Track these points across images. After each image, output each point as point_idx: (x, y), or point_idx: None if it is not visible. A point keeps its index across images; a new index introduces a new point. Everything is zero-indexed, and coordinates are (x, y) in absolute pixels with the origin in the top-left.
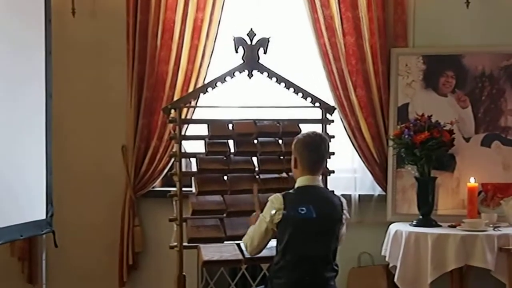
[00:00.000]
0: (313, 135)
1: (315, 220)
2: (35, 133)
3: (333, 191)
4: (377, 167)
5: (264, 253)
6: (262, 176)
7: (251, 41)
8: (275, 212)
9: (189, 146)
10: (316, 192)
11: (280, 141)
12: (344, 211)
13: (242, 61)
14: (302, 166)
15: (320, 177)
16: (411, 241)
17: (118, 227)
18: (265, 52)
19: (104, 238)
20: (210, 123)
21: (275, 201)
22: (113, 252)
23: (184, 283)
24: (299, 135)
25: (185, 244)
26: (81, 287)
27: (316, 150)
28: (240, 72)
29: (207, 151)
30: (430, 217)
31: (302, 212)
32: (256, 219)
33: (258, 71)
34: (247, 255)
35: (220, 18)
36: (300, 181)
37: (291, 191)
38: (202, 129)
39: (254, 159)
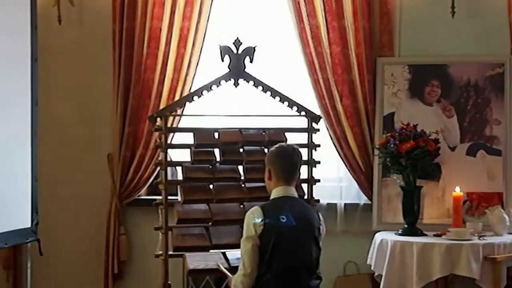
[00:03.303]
0: (285, 146)
1: (296, 227)
2: (20, 140)
3: (318, 200)
4: (363, 176)
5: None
6: (247, 185)
7: (237, 50)
8: (257, 223)
9: (175, 155)
10: (293, 201)
11: (266, 150)
12: (321, 222)
13: (228, 70)
14: (276, 177)
15: (294, 188)
16: (396, 250)
17: (104, 235)
18: (251, 61)
19: (90, 247)
20: (195, 131)
21: (254, 213)
22: (99, 260)
23: None
24: (272, 148)
25: (170, 252)
26: None
27: (289, 160)
28: (226, 81)
29: (192, 160)
30: (415, 226)
31: (283, 220)
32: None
33: (244, 80)
34: (233, 264)
35: (206, 27)
36: (275, 192)
37: (268, 202)
38: (188, 138)
39: (240, 168)
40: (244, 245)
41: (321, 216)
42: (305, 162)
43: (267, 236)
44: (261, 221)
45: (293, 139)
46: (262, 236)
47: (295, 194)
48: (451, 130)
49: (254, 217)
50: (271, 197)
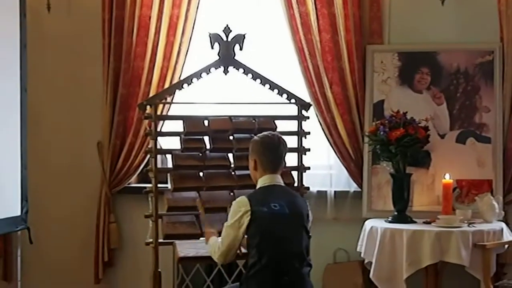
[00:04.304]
0: (270, 136)
1: (287, 215)
2: (9, 128)
3: (308, 187)
4: (353, 163)
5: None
6: (237, 172)
7: (227, 37)
8: (242, 215)
9: (164, 143)
10: (282, 189)
11: None
12: (308, 209)
13: (218, 58)
14: (262, 167)
15: (280, 176)
16: (386, 237)
17: (94, 223)
18: (241, 49)
19: (80, 235)
20: (185, 119)
21: (240, 204)
22: (89, 248)
23: (160, 279)
24: (255, 137)
25: (160, 240)
26: (56, 284)
27: (275, 150)
28: (215, 69)
29: (182, 148)
30: (405, 213)
31: (275, 208)
32: (209, 235)
33: (233, 67)
34: None
35: (196, 15)
36: (262, 181)
37: (254, 191)
38: (178, 126)
39: (230, 155)
40: (226, 231)
41: (307, 203)
42: (295, 150)
43: (256, 225)
44: (248, 211)
45: (283, 126)
46: (250, 226)
47: (282, 182)
48: (441, 117)
49: (240, 207)
50: (258, 185)
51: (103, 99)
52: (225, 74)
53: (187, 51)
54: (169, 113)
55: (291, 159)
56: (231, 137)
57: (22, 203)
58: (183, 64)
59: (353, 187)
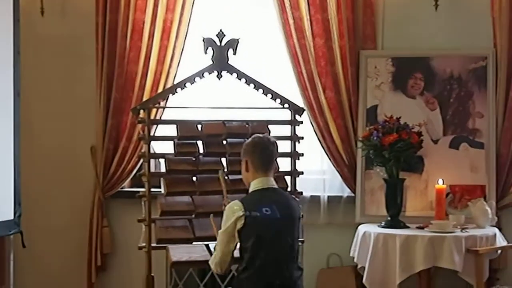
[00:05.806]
0: (261, 137)
1: (280, 220)
2: (2, 132)
3: (301, 192)
4: (346, 168)
5: (234, 253)
6: (231, 177)
7: (221, 42)
8: (236, 219)
9: (158, 147)
10: (274, 192)
11: None
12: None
13: (212, 62)
14: (254, 168)
15: (273, 179)
16: (379, 242)
17: (87, 228)
18: (234, 53)
19: (73, 239)
20: (179, 123)
21: (234, 208)
22: (82, 253)
23: (153, 284)
24: (247, 140)
25: (153, 244)
26: None
27: (266, 151)
28: (209, 73)
29: (176, 152)
30: (398, 218)
31: (267, 212)
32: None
33: (227, 72)
34: None
35: (189, 19)
36: (254, 184)
37: (247, 195)
38: (171, 130)
39: (223, 160)
40: (220, 237)
41: (299, 206)
42: (289, 155)
43: (249, 230)
44: (242, 215)
45: (276, 131)
46: (242, 230)
47: (275, 185)
48: (434, 122)
49: (234, 212)
50: (250, 189)
51: (97, 103)
52: (219, 78)
53: (181, 55)
54: (163, 118)
55: (284, 164)
56: (224, 142)
57: (15, 207)
58: (177, 68)
59: (346, 192)
